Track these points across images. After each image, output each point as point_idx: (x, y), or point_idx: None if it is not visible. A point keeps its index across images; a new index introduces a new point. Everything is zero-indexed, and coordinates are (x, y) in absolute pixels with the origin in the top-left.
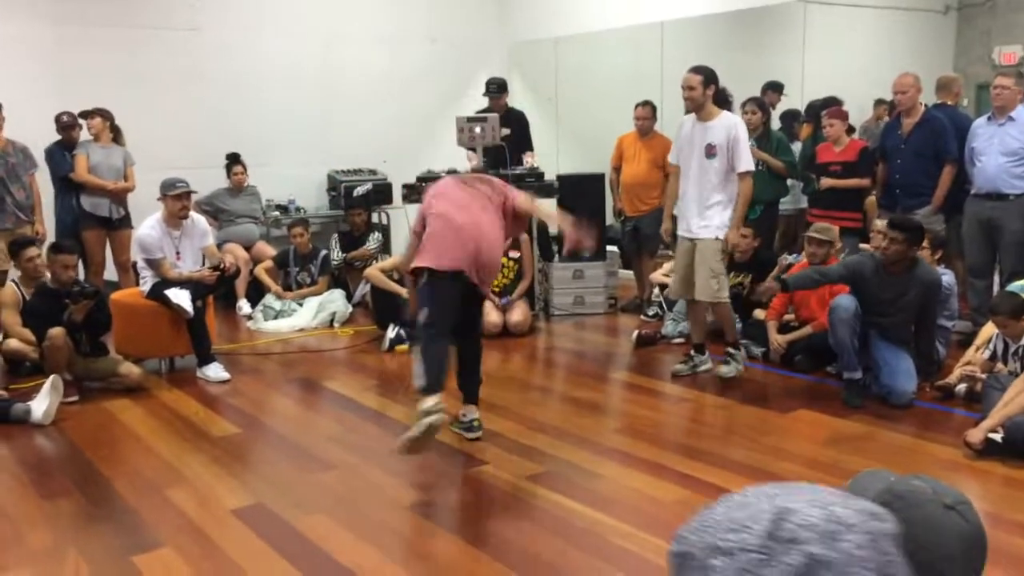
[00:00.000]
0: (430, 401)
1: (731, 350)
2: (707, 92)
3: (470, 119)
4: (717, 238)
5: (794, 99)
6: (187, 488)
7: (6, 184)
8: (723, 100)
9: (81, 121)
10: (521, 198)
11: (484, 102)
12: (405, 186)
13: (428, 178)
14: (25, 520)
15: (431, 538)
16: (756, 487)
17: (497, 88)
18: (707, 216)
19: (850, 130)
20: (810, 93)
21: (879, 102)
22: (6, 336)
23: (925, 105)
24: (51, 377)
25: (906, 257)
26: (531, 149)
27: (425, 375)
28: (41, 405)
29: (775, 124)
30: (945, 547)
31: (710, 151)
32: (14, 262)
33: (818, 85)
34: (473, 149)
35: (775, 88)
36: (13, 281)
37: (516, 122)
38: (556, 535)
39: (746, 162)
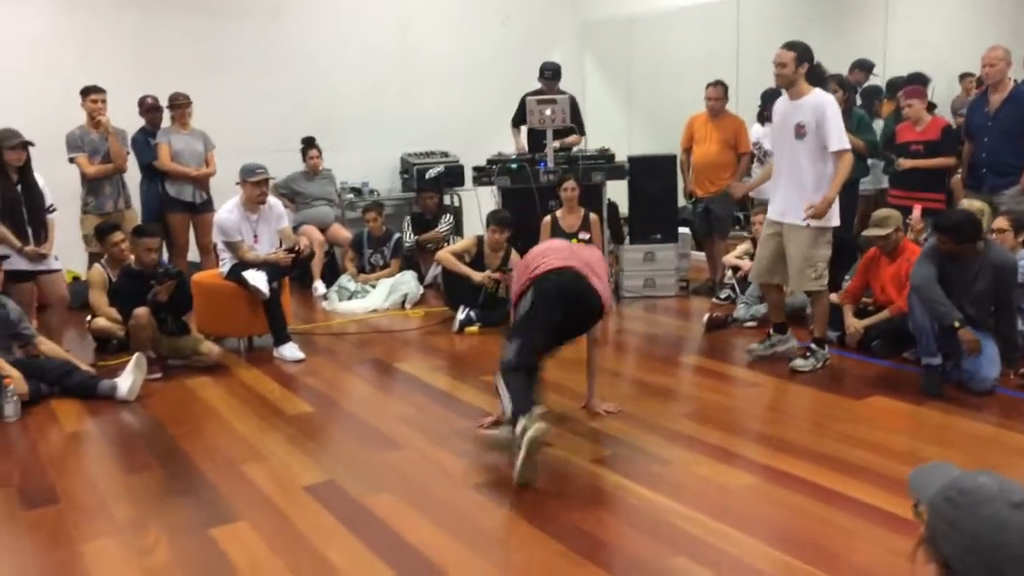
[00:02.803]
0: (523, 421)
1: (814, 346)
2: (799, 70)
3: (540, 101)
4: (809, 225)
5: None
6: (263, 464)
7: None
8: (818, 78)
9: (162, 104)
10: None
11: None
12: (476, 168)
13: (499, 160)
14: (110, 493)
15: (495, 519)
16: None
17: (552, 74)
18: (799, 201)
19: (931, 107)
20: (893, 69)
21: (965, 76)
22: (94, 315)
23: (1015, 80)
24: (135, 355)
25: (963, 252)
26: (583, 133)
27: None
28: (126, 382)
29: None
30: (1011, 547)
31: (799, 131)
32: (101, 246)
33: (902, 60)
34: (543, 131)
35: (863, 67)
36: (100, 263)
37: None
38: (620, 518)
39: (838, 140)
